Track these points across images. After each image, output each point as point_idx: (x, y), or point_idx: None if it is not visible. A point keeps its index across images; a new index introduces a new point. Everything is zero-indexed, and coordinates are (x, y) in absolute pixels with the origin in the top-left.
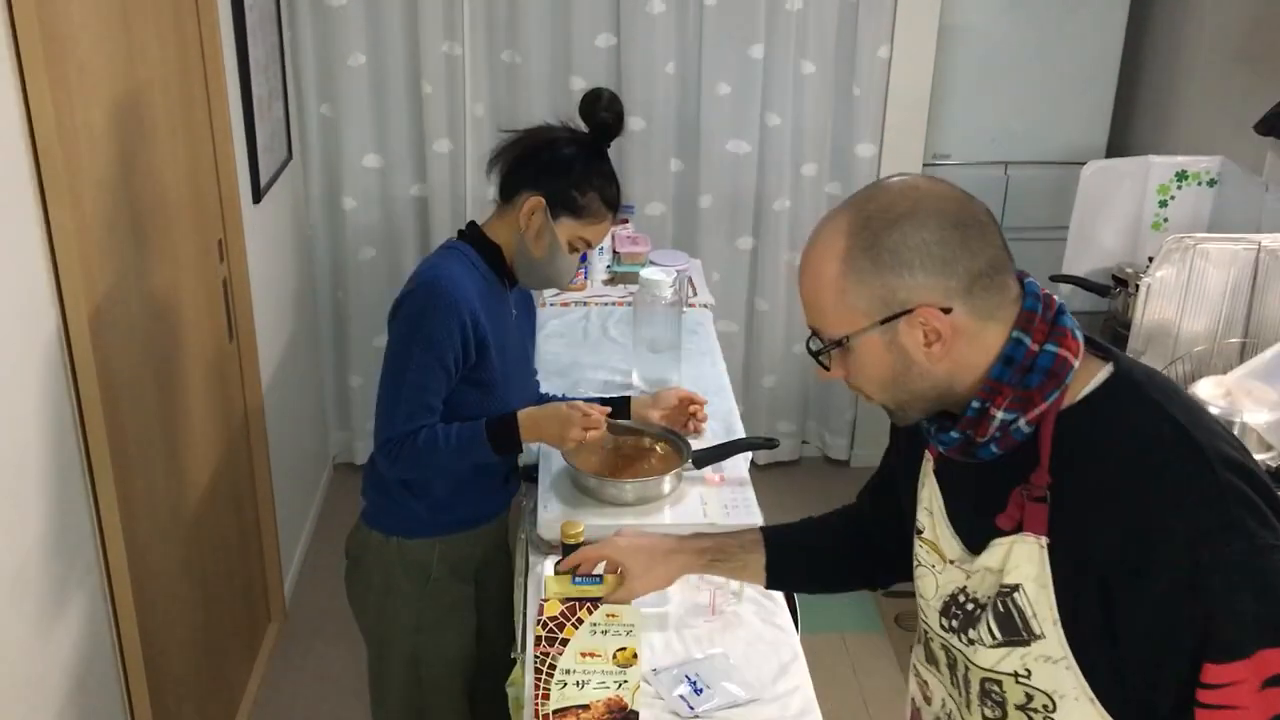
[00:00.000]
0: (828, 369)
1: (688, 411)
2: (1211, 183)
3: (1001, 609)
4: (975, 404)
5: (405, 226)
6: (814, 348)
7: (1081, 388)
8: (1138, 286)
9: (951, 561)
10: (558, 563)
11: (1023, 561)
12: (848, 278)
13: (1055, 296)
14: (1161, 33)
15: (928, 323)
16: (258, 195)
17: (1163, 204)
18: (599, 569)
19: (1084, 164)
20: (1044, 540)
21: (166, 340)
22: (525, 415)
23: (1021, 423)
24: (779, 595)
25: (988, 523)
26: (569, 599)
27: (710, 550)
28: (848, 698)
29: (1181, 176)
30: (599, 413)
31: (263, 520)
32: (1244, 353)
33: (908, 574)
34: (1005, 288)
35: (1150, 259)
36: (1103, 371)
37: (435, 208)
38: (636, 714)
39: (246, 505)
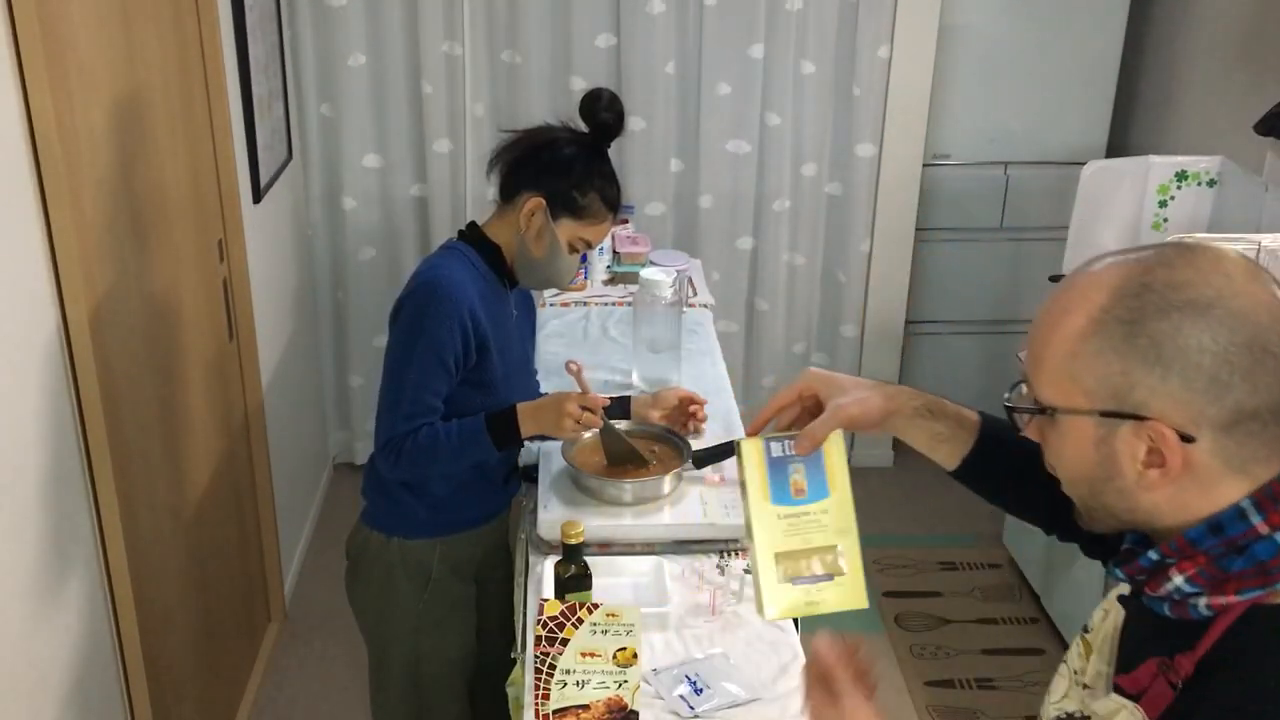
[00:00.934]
0: (1018, 430)
1: (688, 411)
2: (1211, 183)
3: None
4: (1154, 555)
5: (405, 226)
6: (1012, 402)
7: None
8: None
9: (1086, 686)
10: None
11: None
12: (1088, 341)
13: None
14: (1161, 33)
15: (1157, 442)
16: (258, 195)
17: (1163, 204)
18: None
19: (1084, 164)
20: None
21: (166, 340)
22: (523, 408)
23: (1202, 604)
24: None
25: (1135, 665)
26: (769, 437)
27: (925, 401)
28: None
29: (1181, 176)
30: (596, 395)
31: (263, 520)
32: None
33: (1090, 549)
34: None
35: None
36: None
37: (435, 208)
38: (636, 714)
39: (246, 505)
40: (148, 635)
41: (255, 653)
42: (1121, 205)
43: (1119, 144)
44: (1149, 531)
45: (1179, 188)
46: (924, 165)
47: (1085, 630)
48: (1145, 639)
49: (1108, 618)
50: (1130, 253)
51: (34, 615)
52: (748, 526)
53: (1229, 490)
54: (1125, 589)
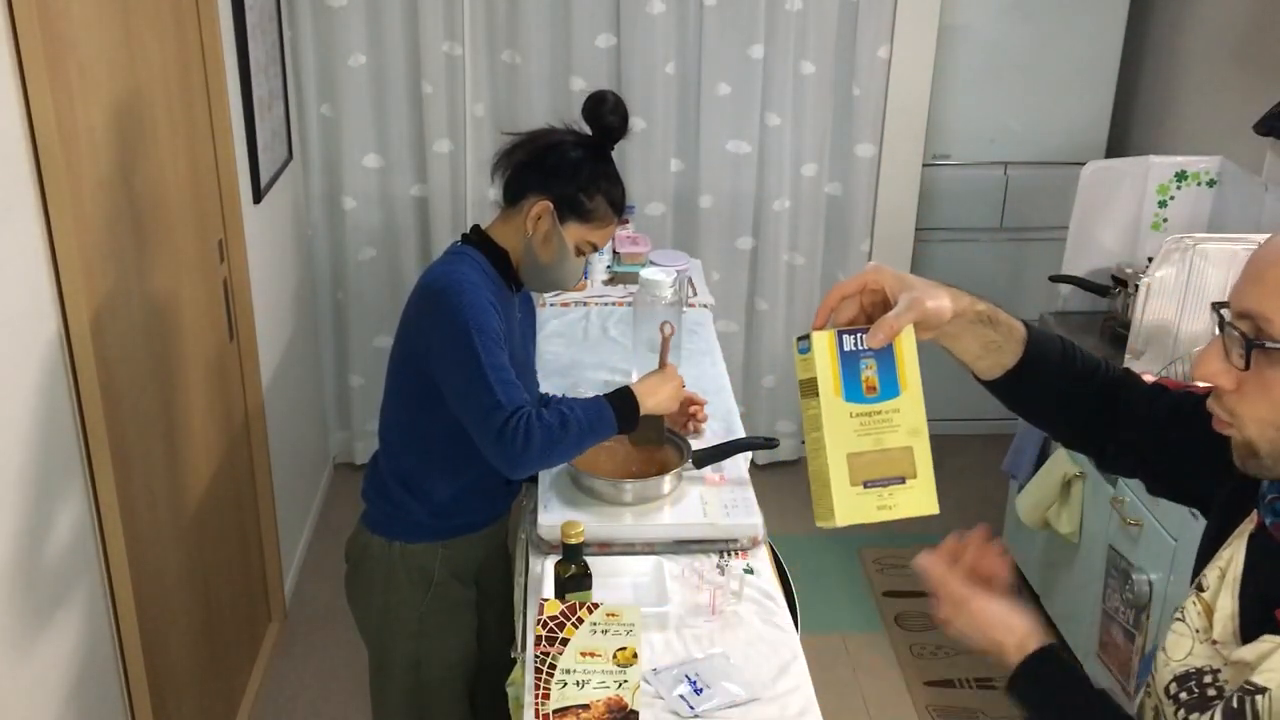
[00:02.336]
0: (1246, 366)
1: (688, 412)
2: (1211, 183)
3: (1236, 706)
4: None
5: (405, 226)
6: (1246, 332)
7: None
8: (1137, 286)
9: (1215, 641)
10: (805, 335)
11: None
12: None
13: None
14: (1161, 33)
15: None
16: (258, 195)
17: (1162, 204)
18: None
19: (1084, 164)
20: None
21: (167, 340)
22: (641, 388)
23: None
24: (779, 595)
25: (1271, 612)
26: (840, 330)
27: (985, 307)
28: (848, 698)
29: (1181, 176)
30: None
31: (263, 520)
32: None
33: (1109, 464)
34: None
35: (1150, 259)
36: None
37: (435, 208)
38: (636, 714)
39: (246, 505)
40: (148, 635)
41: (255, 653)
42: (1121, 205)
43: (1119, 144)
44: None
45: (1179, 188)
46: (924, 165)
47: (1200, 589)
48: None
49: (1226, 574)
50: None
51: (34, 615)
52: (813, 427)
53: None
54: (1242, 555)
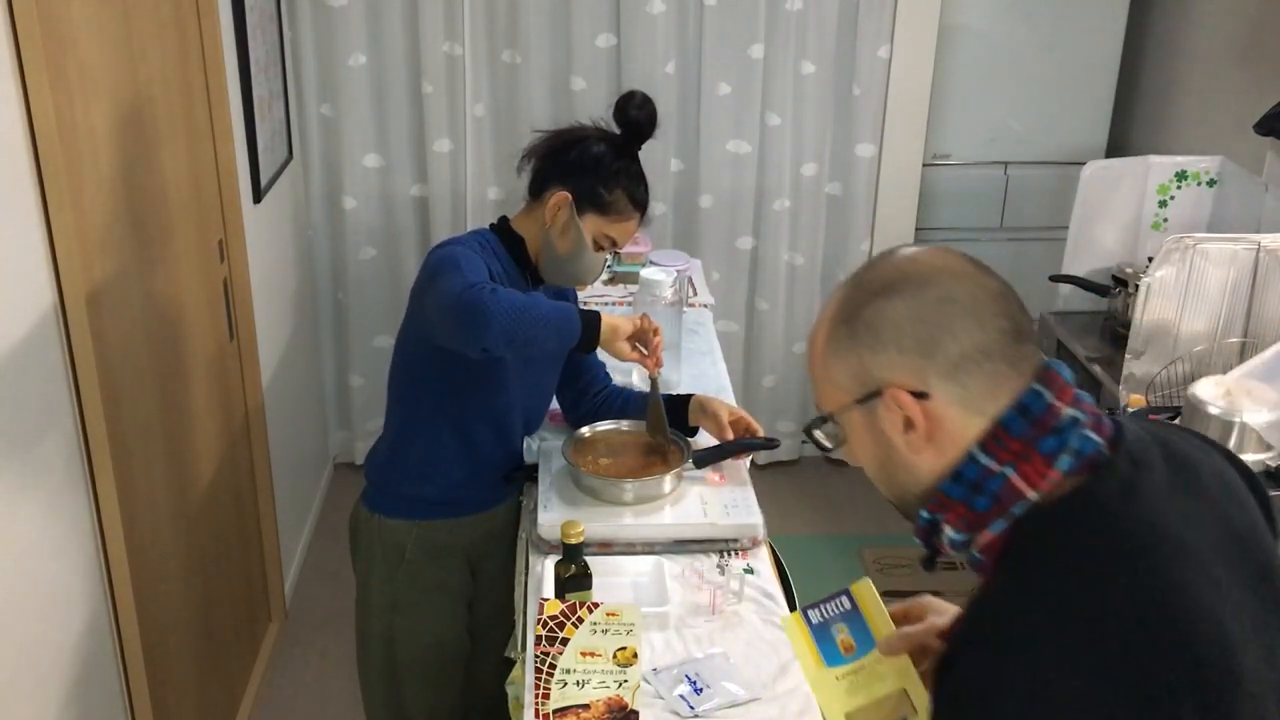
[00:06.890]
0: (825, 448)
1: (726, 432)
2: (1211, 183)
3: None
4: (925, 514)
5: (405, 226)
6: (811, 423)
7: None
8: (1137, 286)
9: None
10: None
11: None
12: (829, 349)
13: (1061, 409)
14: (1161, 33)
15: (903, 406)
16: (258, 195)
17: (1162, 204)
18: None
19: (1084, 164)
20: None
21: (167, 340)
22: (607, 315)
23: (973, 549)
24: (779, 595)
25: None
26: (805, 607)
27: None
28: None
29: (1181, 176)
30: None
31: (263, 520)
32: (1244, 353)
33: None
34: (1001, 378)
35: (1150, 259)
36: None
37: (435, 208)
38: (636, 713)
39: (247, 504)
40: (148, 635)
41: (255, 653)
42: (1121, 205)
43: (1119, 144)
44: None
45: (1179, 188)
46: (924, 165)
47: None
48: None
49: None
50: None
51: (34, 615)
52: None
53: (975, 432)
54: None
